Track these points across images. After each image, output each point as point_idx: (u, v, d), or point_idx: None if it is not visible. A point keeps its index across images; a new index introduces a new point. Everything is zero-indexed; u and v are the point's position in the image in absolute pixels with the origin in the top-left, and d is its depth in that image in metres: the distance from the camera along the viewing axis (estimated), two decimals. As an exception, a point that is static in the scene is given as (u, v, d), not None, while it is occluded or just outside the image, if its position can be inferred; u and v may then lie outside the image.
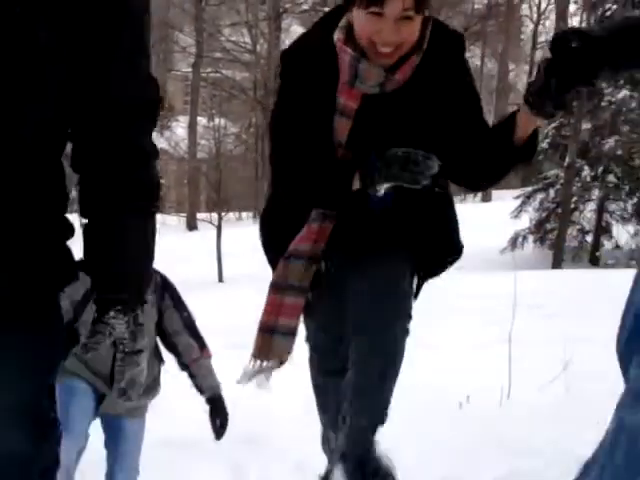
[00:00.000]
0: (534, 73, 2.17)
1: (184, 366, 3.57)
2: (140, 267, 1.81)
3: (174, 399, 5.70)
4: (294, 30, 41.29)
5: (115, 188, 1.73)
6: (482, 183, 2.68)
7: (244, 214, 41.27)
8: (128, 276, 1.76)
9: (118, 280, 1.76)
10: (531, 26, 41.65)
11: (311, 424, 5.11)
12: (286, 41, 36.70)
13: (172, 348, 3.50)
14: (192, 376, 3.56)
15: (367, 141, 2.41)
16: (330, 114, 2.42)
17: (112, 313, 1.75)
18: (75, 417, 3.21)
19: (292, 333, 2.68)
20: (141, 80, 1.71)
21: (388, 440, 4.58)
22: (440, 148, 2.37)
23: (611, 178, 19.28)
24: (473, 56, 35.63)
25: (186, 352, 3.48)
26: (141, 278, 1.83)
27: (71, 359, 3.22)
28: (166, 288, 3.42)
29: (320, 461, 4.39)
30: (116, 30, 1.57)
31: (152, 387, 3.45)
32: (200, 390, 3.56)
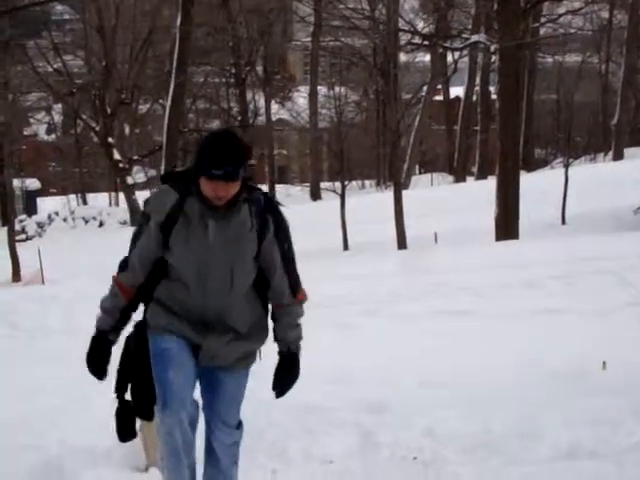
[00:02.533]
0: None
1: None
2: None
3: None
4: (412, -7, 40.61)
5: None
6: None
7: (367, 182, 41.26)
8: None
9: None
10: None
11: (434, 391, 5.13)
12: (405, 6, 36.19)
13: None
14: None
15: None
16: None
17: None
18: (179, 385, 3.21)
19: None
20: None
21: (530, 406, 4.54)
22: None
23: None
24: (601, 9, 34.06)
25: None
26: None
27: (158, 314, 3.26)
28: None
29: (445, 426, 4.40)
30: None
31: (258, 331, 3.34)
32: None
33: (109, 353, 3.39)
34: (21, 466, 4.19)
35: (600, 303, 7.41)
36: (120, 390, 3.77)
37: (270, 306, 3.38)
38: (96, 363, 3.39)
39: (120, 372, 3.79)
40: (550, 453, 4.06)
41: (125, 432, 3.64)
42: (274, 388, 3.41)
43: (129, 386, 3.80)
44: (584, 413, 4.40)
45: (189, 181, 3.14)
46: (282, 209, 3.30)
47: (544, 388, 4.94)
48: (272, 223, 3.22)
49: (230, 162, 3.03)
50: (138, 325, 3.39)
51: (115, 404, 3.62)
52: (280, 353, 3.41)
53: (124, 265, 3.31)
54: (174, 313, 3.25)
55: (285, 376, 3.40)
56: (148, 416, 3.44)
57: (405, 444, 4.26)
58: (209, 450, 3.43)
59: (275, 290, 3.31)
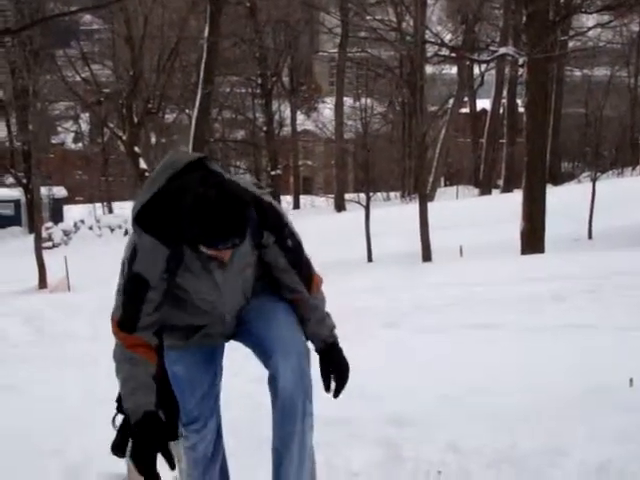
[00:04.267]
0: None
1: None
2: None
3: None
4: (441, 5, 40.66)
5: None
6: None
7: (392, 194, 41.20)
8: None
9: None
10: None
11: (458, 404, 5.07)
12: (432, 17, 36.15)
13: None
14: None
15: None
16: None
17: None
18: (197, 404, 3.14)
19: None
20: None
21: (556, 421, 4.47)
22: None
23: None
24: (631, 22, 33.86)
25: None
26: None
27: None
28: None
29: (470, 440, 4.34)
30: None
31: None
32: None
33: (166, 441, 2.84)
34: (43, 472, 4.19)
35: (628, 318, 7.32)
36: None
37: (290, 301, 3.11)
38: (152, 459, 2.75)
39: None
40: (577, 470, 3.98)
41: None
42: (327, 389, 3.18)
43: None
44: (612, 430, 4.33)
45: (176, 234, 2.71)
46: (272, 202, 2.94)
47: (571, 403, 4.86)
48: (270, 235, 2.92)
49: (236, 233, 2.64)
50: None
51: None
52: (318, 351, 3.18)
53: (130, 326, 2.84)
54: (179, 329, 3.08)
55: (334, 369, 3.17)
56: (175, 435, 3.18)
57: (429, 458, 4.21)
58: (274, 396, 3.04)
59: (286, 286, 3.07)
